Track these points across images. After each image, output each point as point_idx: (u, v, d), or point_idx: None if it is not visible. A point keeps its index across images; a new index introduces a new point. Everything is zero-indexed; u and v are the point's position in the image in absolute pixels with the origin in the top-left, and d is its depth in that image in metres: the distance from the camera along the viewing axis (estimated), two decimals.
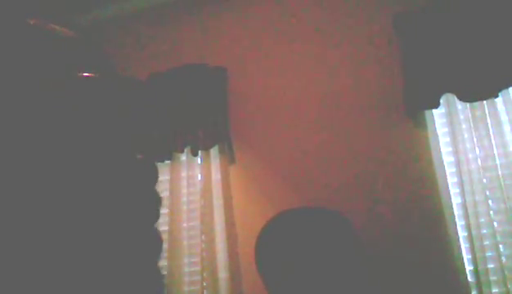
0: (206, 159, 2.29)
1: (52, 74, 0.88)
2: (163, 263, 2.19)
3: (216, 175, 2.28)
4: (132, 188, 0.95)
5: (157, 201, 1.04)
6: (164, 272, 2.19)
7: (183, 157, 2.34)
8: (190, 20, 2.59)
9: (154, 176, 1.03)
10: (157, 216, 1.02)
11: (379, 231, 2.08)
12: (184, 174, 2.32)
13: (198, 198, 2.27)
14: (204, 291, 2.17)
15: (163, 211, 2.29)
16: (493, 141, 2.02)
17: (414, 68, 2.16)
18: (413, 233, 2.06)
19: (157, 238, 1.04)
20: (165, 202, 2.28)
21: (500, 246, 1.92)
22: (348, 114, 2.26)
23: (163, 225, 2.24)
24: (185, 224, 2.28)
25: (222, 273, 2.18)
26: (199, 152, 2.31)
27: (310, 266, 1.69)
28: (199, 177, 2.30)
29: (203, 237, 2.21)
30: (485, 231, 1.95)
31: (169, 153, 2.31)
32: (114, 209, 0.90)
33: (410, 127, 2.17)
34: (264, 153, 2.31)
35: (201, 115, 2.31)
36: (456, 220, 2.01)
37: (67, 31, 0.95)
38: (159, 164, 2.29)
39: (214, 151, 2.31)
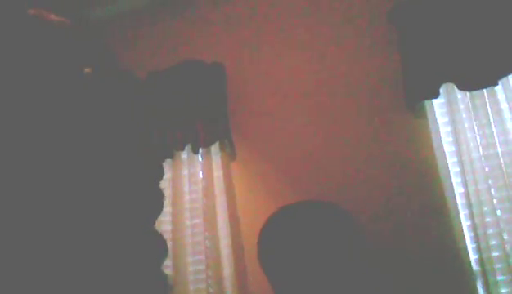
0: (207, 156, 2.29)
1: (52, 67, 0.86)
2: (167, 263, 2.19)
3: (217, 172, 2.28)
4: (137, 186, 0.93)
5: (161, 198, 1.02)
6: (169, 272, 2.18)
7: (184, 155, 2.33)
8: (187, 16, 2.57)
9: (160, 174, 1.01)
10: (160, 212, 0.99)
11: (381, 222, 2.08)
12: (185, 172, 2.32)
13: (200, 195, 2.27)
14: (210, 289, 2.17)
15: (166, 209, 2.30)
16: (494, 129, 2.02)
17: (413, 58, 2.15)
18: (416, 224, 2.06)
19: (161, 239, 1.02)
20: (167, 200, 2.28)
21: (504, 234, 1.92)
22: (349, 107, 2.26)
23: (166, 225, 2.24)
24: (188, 223, 2.27)
25: (227, 270, 2.18)
26: (200, 149, 2.30)
27: (312, 260, 1.68)
28: (201, 175, 2.30)
29: (206, 234, 2.21)
30: (488, 220, 1.95)
31: (170, 152, 2.30)
32: (118, 207, 0.88)
33: (411, 118, 2.17)
34: (265, 148, 2.31)
35: (200, 112, 2.30)
36: (459, 209, 2.01)
37: (68, 22, 0.93)
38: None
39: (215, 148, 2.30)
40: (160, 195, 0.99)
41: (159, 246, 0.97)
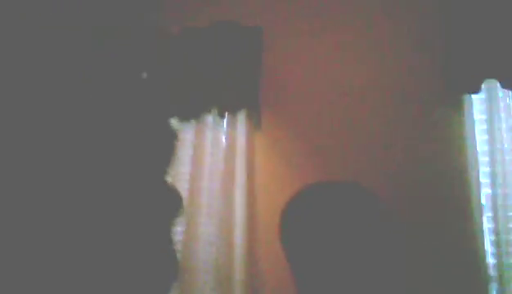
0: (232, 123, 2.25)
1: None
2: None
3: (241, 141, 2.23)
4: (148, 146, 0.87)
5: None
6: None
7: (209, 118, 2.29)
8: None
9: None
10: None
11: (405, 210, 2.03)
12: (208, 135, 2.28)
13: (221, 161, 2.24)
14: (218, 253, 2.16)
15: (185, 169, 2.28)
16: None
17: (457, 50, 2.07)
18: (437, 219, 2.01)
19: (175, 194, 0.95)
20: (188, 161, 2.26)
21: None
22: (384, 91, 2.18)
23: (183, 183, 2.24)
24: (205, 185, 2.25)
25: (239, 240, 2.16)
26: (226, 114, 2.26)
27: (336, 241, 1.66)
28: (224, 140, 2.26)
29: (222, 200, 2.19)
30: None
31: (195, 113, 2.26)
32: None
33: (448, 111, 2.09)
34: (293, 123, 2.25)
35: (231, 77, 2.24)
36: (483, 211, 1.96)
37: None
38: (184, 124, 2.26)
39: (241, 115, 2.26)
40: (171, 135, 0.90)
41: (173, 201, 0.91)
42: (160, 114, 0.90)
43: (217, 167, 2.25)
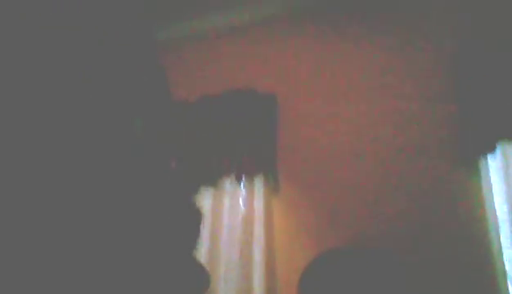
0: (249, 188, 2.27)
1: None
2: None
3: (258, 205, 2.25)
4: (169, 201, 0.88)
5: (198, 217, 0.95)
6: None
7: (226, 183, 2.32)
8: (243, 45, 2.59)
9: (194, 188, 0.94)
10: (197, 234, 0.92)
11: (425, 276, 2.00)
12: (226, 202, 2.30)
13: (238, 226, 2.24)
14: None
15: (202, 238, 2.27)
16: None
17: (470, 112, 2.10)
18: (460, 286, 1.97)
19: (202, 271, 0.96)
20: (205, 229, 2.26)
21: None
22: (402, 157, 2.19)
23: (200, 250, 2.23)
24: (223, 251, 2.24)
25: None
26: (243, 179, 2.28)
27: None
28: (242, 205, 2.28)
29: (240, 271, 2.17)
30: None
31: (213, 180, 2.29)
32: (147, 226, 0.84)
33: (464, 174, 2.10)
34: (310, 187, 2.26)
35: (248, 142, 2.29)
36: (508, 274, 1.91)
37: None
38: (201, 190, 2.28)
39: (259, 180, 2.28)
40: (197, 214, 0.92)
41: (199, 279, 0.91)
42: (185, 192, 0.92)
43: (235, 232, 2.25)
